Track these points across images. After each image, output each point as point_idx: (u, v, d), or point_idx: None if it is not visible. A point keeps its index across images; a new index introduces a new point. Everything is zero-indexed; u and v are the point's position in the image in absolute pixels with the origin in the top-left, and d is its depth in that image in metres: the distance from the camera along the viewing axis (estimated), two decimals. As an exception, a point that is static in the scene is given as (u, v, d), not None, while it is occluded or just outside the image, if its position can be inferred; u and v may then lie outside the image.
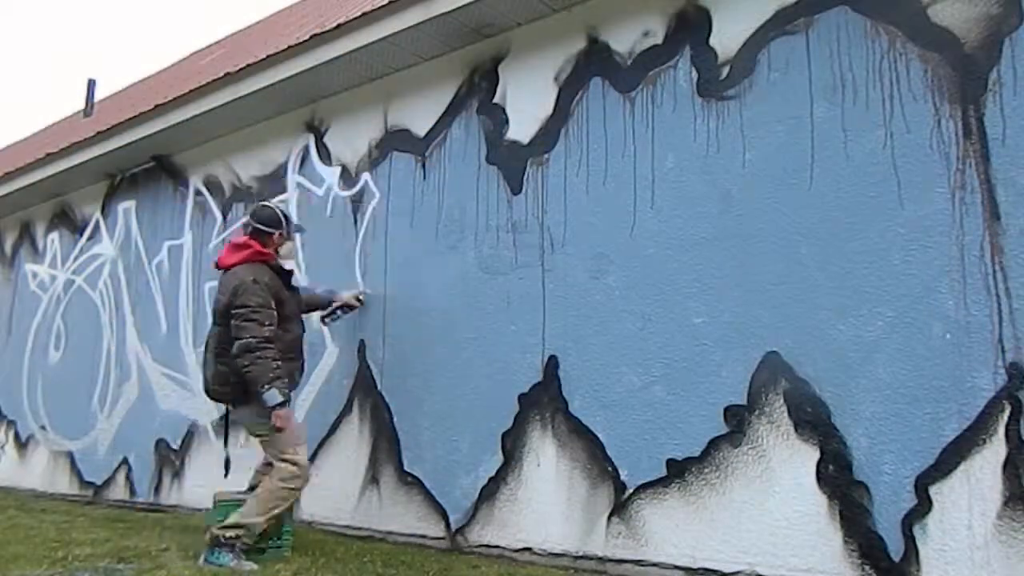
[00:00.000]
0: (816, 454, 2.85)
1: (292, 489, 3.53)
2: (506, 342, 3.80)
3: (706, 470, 3.09)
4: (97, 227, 6.70)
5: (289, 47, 4.65)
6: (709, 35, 3.38)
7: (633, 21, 3.64)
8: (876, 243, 2.83)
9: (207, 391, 3.71)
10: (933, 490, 2.60)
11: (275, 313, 3.54)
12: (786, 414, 2.95)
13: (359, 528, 4.19)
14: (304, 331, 3.86)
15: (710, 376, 3.15)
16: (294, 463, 3.50)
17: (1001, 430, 2.51)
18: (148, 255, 6.07)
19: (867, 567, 2.68)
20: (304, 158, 5.03)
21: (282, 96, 4.97)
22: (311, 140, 5.03)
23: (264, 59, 4.80)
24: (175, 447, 5.40)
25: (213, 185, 5.69)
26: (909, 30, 2.88)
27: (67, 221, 7.09)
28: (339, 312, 4.26)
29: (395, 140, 4.56)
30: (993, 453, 2.51)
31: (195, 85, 5.38)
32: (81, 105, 9.00)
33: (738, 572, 2.94)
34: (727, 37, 3.33)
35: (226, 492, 3.68)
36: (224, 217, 5.52)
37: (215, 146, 5.68)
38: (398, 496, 4.09)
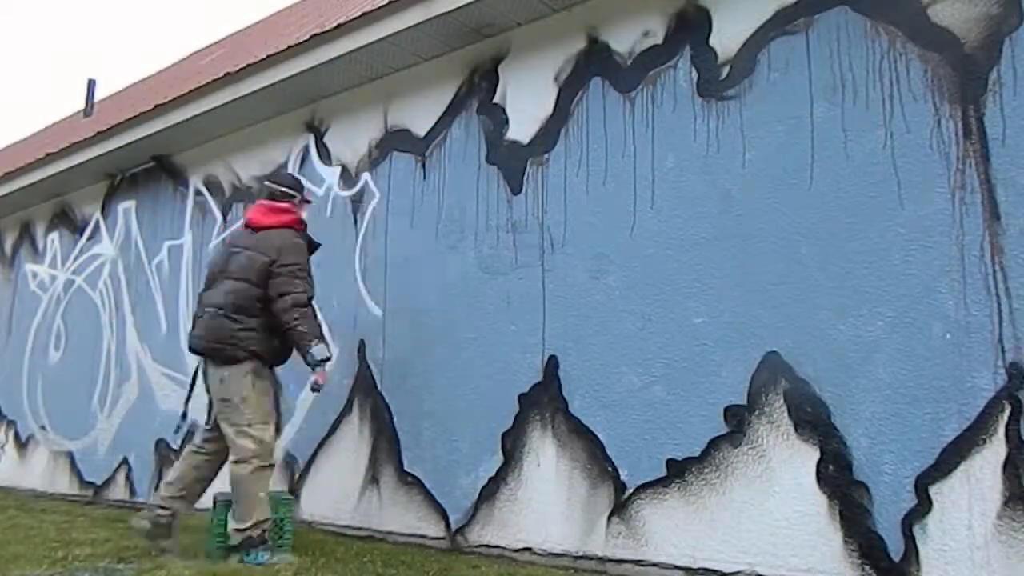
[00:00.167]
0: (816, 454, 2.85)
1: (256, 467, 3.43)
2: (506, 342, 3.80)
3: (706, 470, 3.09)
4: (97, 227, 6.70)
5: (289, 47, 4.65)
6: (709, 35, 3.38)
7: (633, 21, 3.64)
8: (876, 243, 2.83)
9: (199, 347, 3.62)
10: (933, 490, 2.60)
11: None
12: (786, 414, 2.95)
13: (359, 528, 4.19)
14: None
15: (710, 376, 3.15)
16: (256, 439, 3.45)
17: (1001, 430, 2.51)
18: (148, 255, 6.07)
19: (867, 567, 2.68)
20: (304, 158, 5.03)
21: (282, 96, 4.97)
22: (311, 140, 5.03)
23: (264, 59, 4.80)
24: (175, 447, 5.39)
25: (213, 185, 5.69)
26: (909, 30, 2.88)
27: (67, 221, 7.09)
28: None
29: (395, 140, 4.56)
30: (993, 453, 2.51)
31: (195, 85, 5.38)
32: (81, 105, 9.00)
33: (738, 572, 2.94)
34: (727, 37, 3.33)
35: (226, 492, 3.67)
36: (224, 217, 5.52)
37: (215, 146, 5.68)
38: (398, 496, 4.09)
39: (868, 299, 2.82)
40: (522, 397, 3.70)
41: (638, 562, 3.21)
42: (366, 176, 4.66)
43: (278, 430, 3.94)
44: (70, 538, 4.10)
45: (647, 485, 3.24)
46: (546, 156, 3.84)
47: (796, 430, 2.92)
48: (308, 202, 4.05)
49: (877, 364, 2.77)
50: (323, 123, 5.00)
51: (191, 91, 5.33)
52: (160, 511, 3.58)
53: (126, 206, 6.43)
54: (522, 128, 3.96)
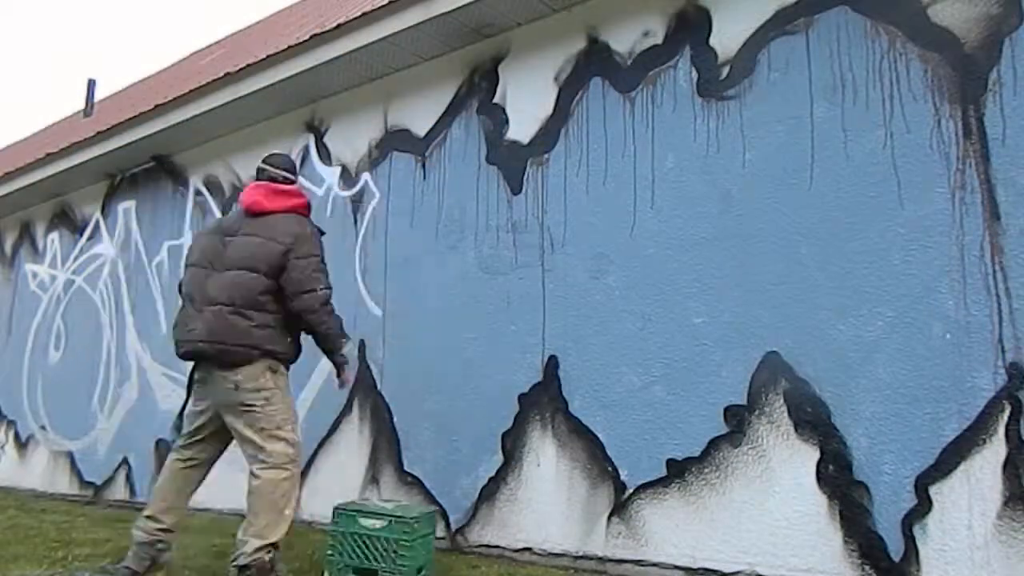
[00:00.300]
0: (816, 454, 2.85)
1: (293, 474, 3.05)
2: (506, 342, 3.80)
3: (706, 470, 3.09)
4: (97, 227, 6.70)
5: (289, 47, 4.65)
6: (709, 35, 3.38)
7: (633, 21, 3.64)
8: (876, 243, 2.83)
9: (198, 350, 3.10)
10: (933, 490, 2.60)
11: None
12: (786, 414, 2.95)
13: (359, 528, 4.18)
14: None
15: (710, 376, 3.15)
16: (290, 442, 3.05)
17: (1001, 430, 2.51)
18: (148, 255, 6.07)
19: (867, 567, 2.68)
20: (304, 158, 5.03)
21: (282, 96, 4.97)
22: (311, 140, 5.03)
23: (264, 59, 4.80)
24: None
25: (213, 185, 5.69)
26: (909, 30, 2.88)
27: (67, 221, 7.09)
28: None
29: (395, 140, 4.56)
30: (993, 453, 2.51)
31: (195, 85, 5.38)
32: (81, 105, 9.00)
33: (738, 572, 2.94)
34: (727, 37, 3.33)
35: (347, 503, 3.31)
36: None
37: (215, 146, 5.68)
38: (398, 496, 4.08)
39: (868, 299, 2.82)
40: (522, 397, 3.70)
41: (638, 562, 3.21)
42: (366, 176, 4.66)
43: None
44: (70, 538, 4.09)
45: (647, 485, 3.24)
46: (546, 156, 3.84)
47: (796, 430, 2.92)
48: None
49: (877, 364, 2.77)
50: (323, 123, 5.00)
51: (191, 91, 5.33)
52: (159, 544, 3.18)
53: (126, 206, 6.43)
54: (522, 128, 3.96)
